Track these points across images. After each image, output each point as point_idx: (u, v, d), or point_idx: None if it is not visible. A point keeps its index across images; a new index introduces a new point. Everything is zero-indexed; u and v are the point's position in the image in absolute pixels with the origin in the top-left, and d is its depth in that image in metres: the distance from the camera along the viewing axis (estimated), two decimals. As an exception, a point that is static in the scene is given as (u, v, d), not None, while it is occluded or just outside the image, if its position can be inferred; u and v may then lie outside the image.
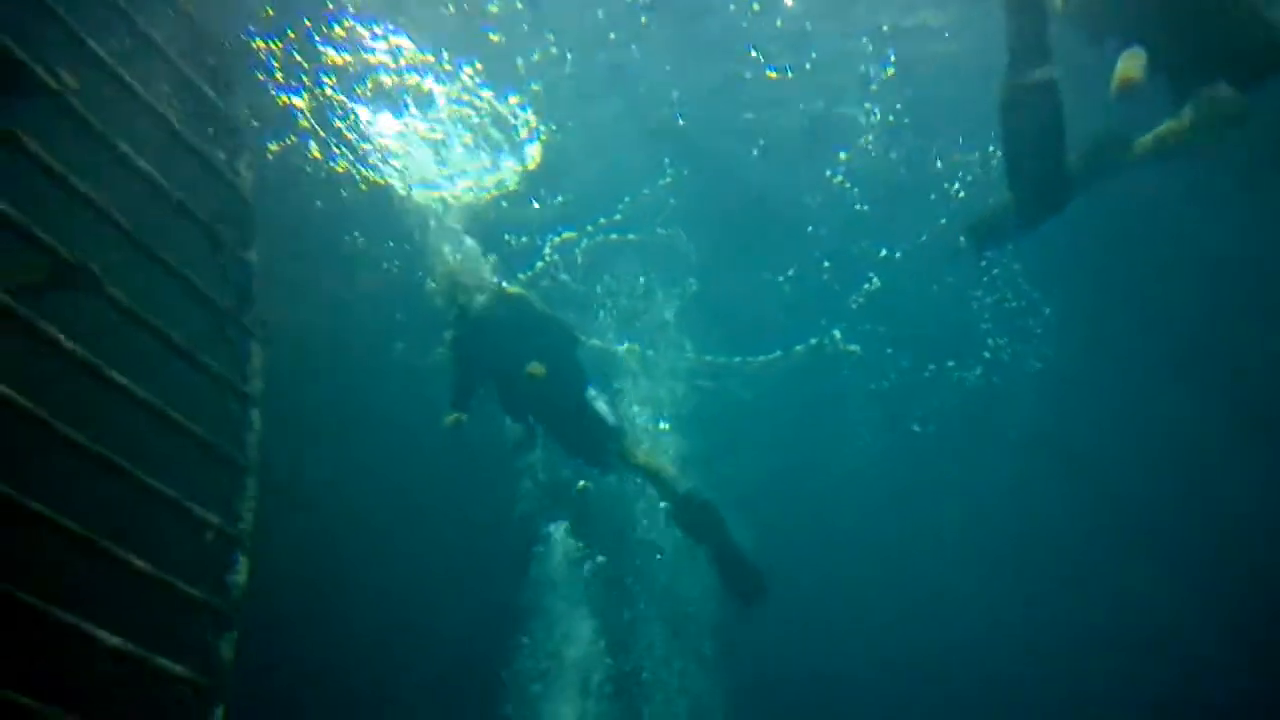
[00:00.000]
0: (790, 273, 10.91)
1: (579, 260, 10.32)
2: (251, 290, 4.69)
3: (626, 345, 10.87)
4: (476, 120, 8.62)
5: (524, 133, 8.88)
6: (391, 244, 9.76)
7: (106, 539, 3.91)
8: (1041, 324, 11.81)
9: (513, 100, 8.65)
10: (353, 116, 8.40)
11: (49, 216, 3.89)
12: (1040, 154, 4.71)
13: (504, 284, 7.03)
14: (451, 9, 7.89)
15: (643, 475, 7.73)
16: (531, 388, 6.69)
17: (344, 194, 9.19)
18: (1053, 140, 4.70)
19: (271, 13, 7.68)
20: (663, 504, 7.85)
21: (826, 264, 10.88)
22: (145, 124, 4.43)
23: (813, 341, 12.05)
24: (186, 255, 4.54)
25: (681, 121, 9.13)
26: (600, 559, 10.15)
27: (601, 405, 7.40)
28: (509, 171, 9.21)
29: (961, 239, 6.79)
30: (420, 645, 11.73)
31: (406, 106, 8.39)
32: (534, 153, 9.12)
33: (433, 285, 7.11)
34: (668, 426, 11.06)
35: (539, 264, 10.21)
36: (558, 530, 9.88)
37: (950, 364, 12.48)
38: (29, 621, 3.51)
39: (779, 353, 12.32)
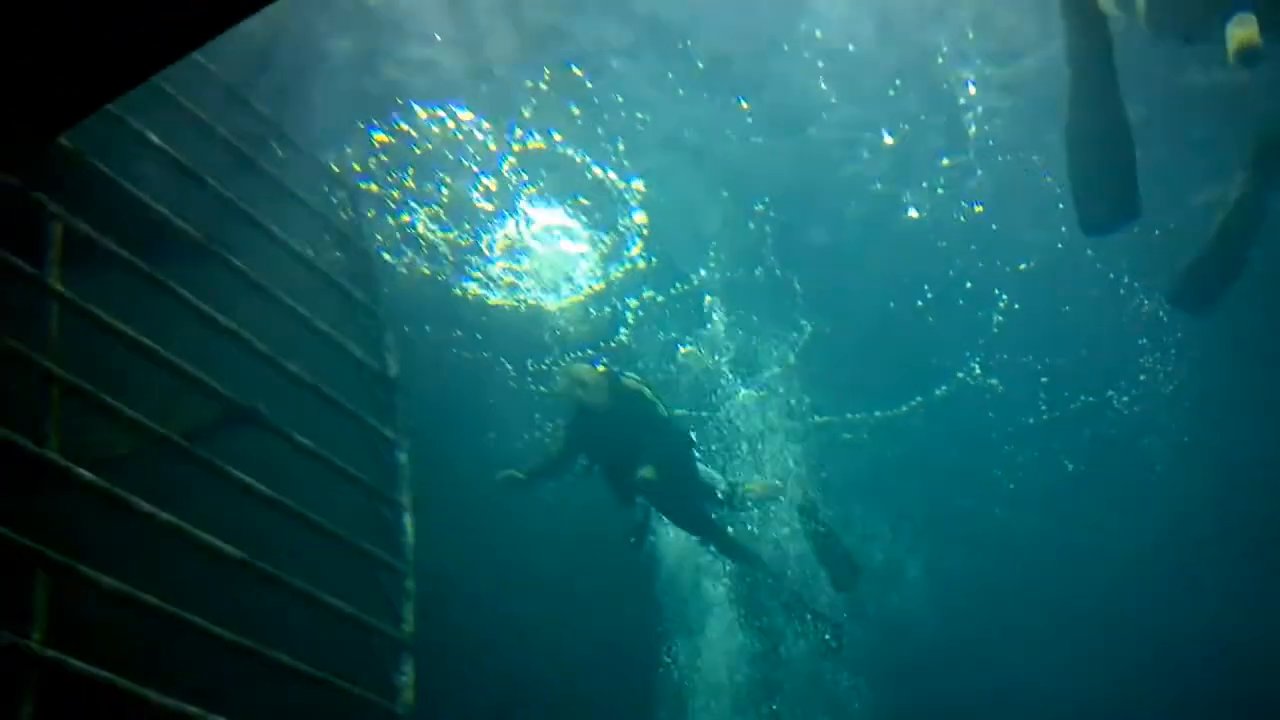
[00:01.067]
0: (928, 296, 10.66)
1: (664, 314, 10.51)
2: (395, 405, 5.15)
3: (743, 393, 10.88)
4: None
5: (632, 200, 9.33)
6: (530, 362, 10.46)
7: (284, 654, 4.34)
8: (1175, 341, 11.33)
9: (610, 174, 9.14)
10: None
11: (215, 362, 4.44)
12: (1111, 165, 4.79)
13: (622, 375, 7.38)
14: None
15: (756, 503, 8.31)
16: (644, 484, 7.03)
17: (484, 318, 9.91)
18: (1123, 151, 4.75)
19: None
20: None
21: (969, 284, 10.59)
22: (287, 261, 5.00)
23: (958, 375, 11.77)
24: (330, 378, 5.05)
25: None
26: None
27: (716, 482, 7.84)
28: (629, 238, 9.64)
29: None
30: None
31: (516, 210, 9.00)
32: (641, 220, 9.50)
33: (557, 383, 7.57)
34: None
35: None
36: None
37: (1108, 393, 12.05)
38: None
39: (916, 399, 12.16)
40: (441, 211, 8.84)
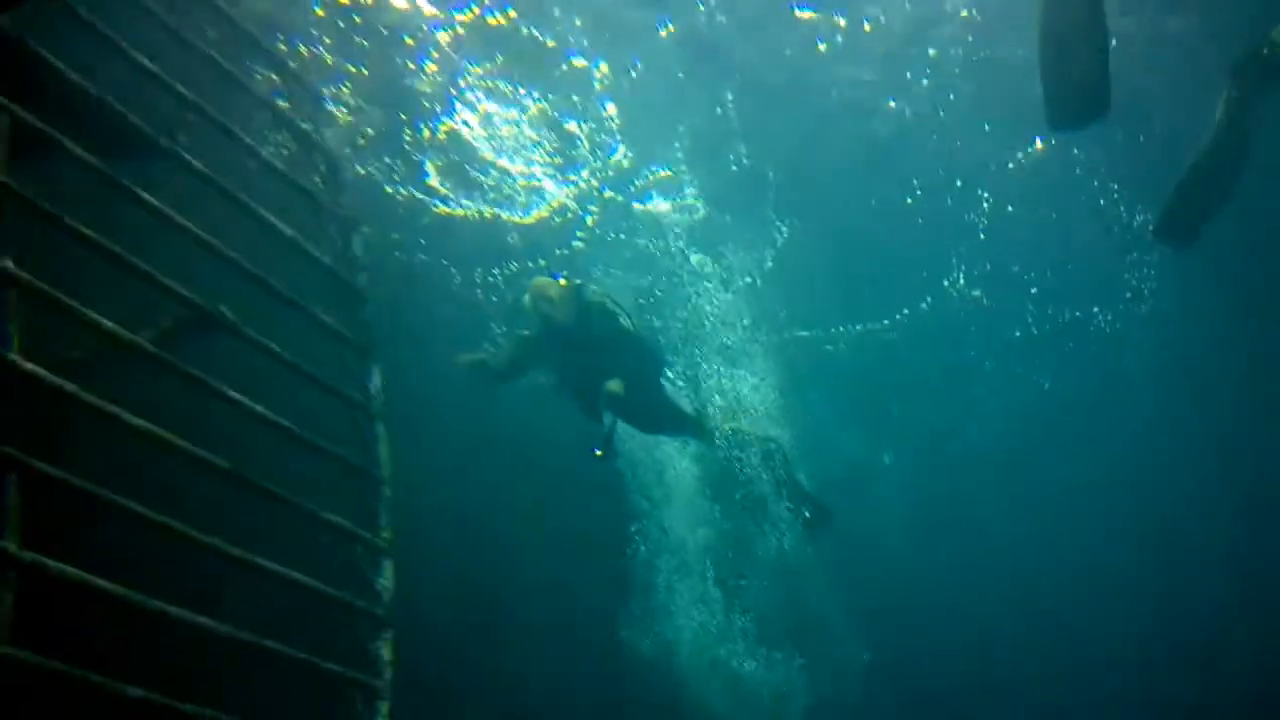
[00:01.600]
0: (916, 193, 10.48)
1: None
2: (366, 315, 5.16)
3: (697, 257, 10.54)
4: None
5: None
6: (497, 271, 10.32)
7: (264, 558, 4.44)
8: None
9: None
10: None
11: (179, 267, 4.43)
12: (1085, 49, 4.74)
13: (587, 288, 7.28)
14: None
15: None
16: (610, 399, 7.08)
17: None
18: (1095, 47, 4.73)
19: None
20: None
21: (959, 182, 10.25)
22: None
23: (944, 284, 11.64)
24: (297, 287, 5.04)
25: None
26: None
27: (681, 401, 7.90)
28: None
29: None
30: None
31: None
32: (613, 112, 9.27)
33: (525, 300, 7.45)
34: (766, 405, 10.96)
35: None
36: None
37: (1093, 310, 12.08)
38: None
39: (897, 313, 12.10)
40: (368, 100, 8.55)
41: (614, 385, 6.93)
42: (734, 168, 9.81)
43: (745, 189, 9.98)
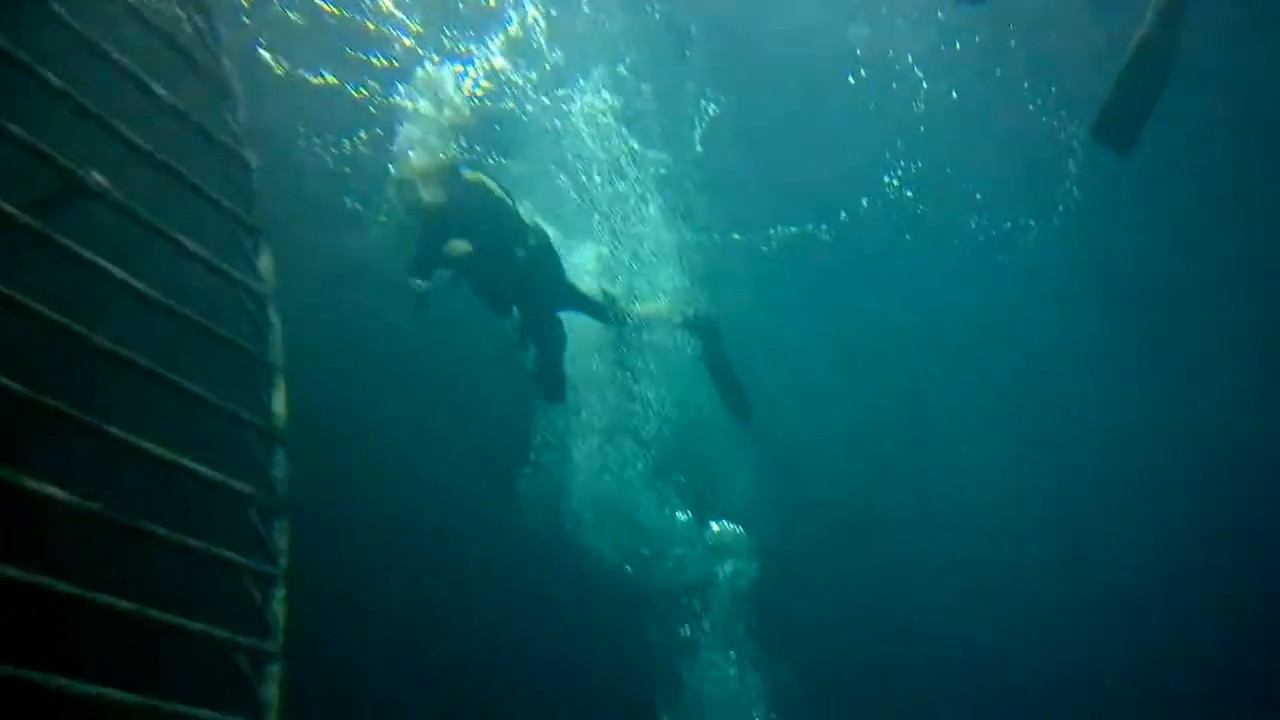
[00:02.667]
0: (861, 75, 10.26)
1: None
2: (253, 188, 5.03)
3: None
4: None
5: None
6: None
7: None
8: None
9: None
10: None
11: (52, 131, 4.25)
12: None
13: (463, 167, 7.03)
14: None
15: (647, 323, 8.35)
16: (505, 277, 6.90)
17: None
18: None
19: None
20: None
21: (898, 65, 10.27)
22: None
23: (885, 180, 11.65)
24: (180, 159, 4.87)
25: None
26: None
27: (587, 283, 7.80)
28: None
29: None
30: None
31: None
32: None
33: (392, 181, 7.10)
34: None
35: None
36: None
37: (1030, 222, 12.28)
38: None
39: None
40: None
41: (458, 246, 6.69)
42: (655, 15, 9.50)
43: (668, 64, 9.77)
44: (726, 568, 11.76)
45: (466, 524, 11.44)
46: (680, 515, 11.46)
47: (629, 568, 11.38)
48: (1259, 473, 13.36)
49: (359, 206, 9.60)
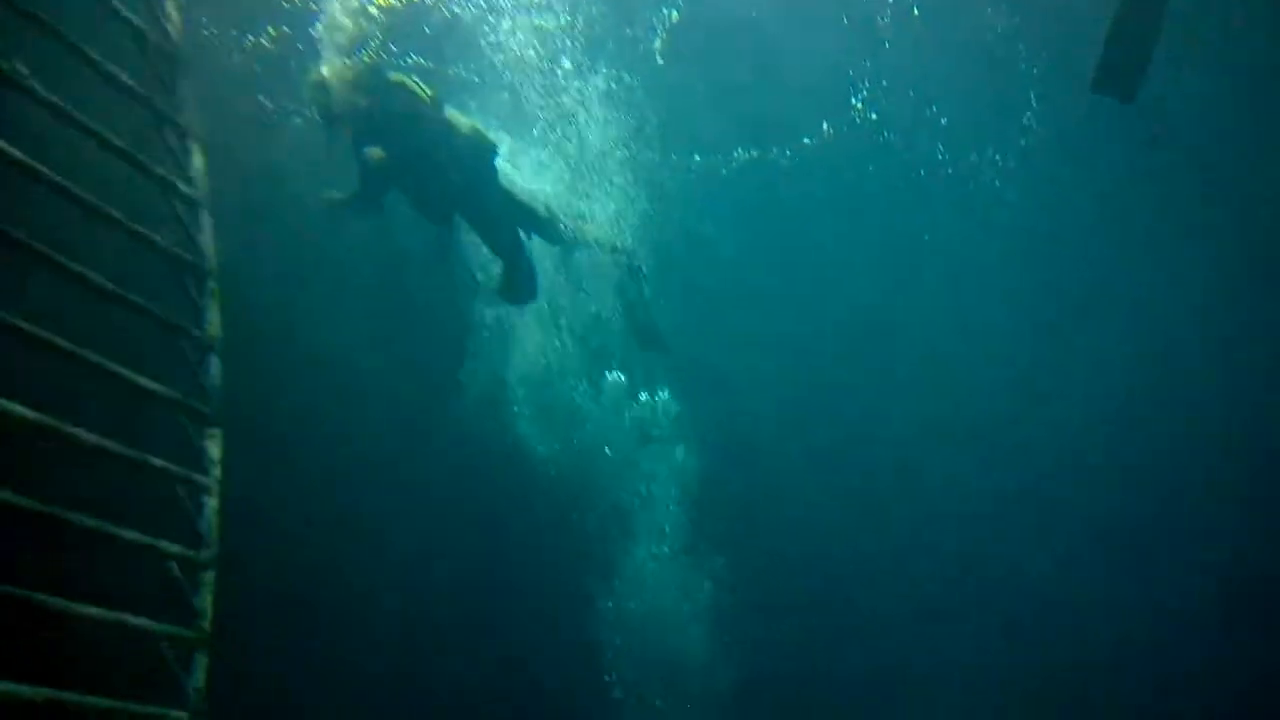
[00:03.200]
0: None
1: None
2: (180, 84, 4.90)
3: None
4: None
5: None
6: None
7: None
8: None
9: None
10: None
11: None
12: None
13: (384, 69, 6.70)
14: None
15: (582, 247, 8.31)
16: (431, 184, 6.75)
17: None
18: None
19: None
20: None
21: None
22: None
23: (852, 104, 11.50)
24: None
25: None
26: None
27: (528, 196, 7.67)
28: None
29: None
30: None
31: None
32: None
33: (310, 84, 6.76)
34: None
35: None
36: None
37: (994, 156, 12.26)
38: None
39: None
40: None
41: (373, 152, 6.53)
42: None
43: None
44: (668, 455, 11.96)
45: (407, 424, 11.45)
46: (616, 380, 11.46)
47: (567, 459, 11.52)
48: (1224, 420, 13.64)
49: (274, 105, 9.28)
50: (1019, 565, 13.81)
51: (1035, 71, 11.36)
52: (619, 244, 8.56)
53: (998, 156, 12.96)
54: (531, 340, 10.91)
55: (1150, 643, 13.26)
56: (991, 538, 14.02)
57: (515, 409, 11.26)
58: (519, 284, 7.84)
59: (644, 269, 8.70)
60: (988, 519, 14.10)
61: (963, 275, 14.09)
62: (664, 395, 11.72)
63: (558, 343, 10.92)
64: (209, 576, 4.98)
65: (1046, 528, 14.10)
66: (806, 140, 12.69)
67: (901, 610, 13.79)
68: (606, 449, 11.71)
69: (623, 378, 11.48)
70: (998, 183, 13.05)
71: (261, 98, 9.40)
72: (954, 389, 14.11)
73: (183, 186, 4.95)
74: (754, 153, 12.91)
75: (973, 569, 14.04)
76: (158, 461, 4.78)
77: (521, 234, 7.73)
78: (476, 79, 9.62)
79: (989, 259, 14.01)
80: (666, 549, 12.08)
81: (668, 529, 12.17)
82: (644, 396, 11.72)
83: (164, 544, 4.75)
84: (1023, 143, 12.63)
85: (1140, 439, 13.87)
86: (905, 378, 14.15)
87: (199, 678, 4.86)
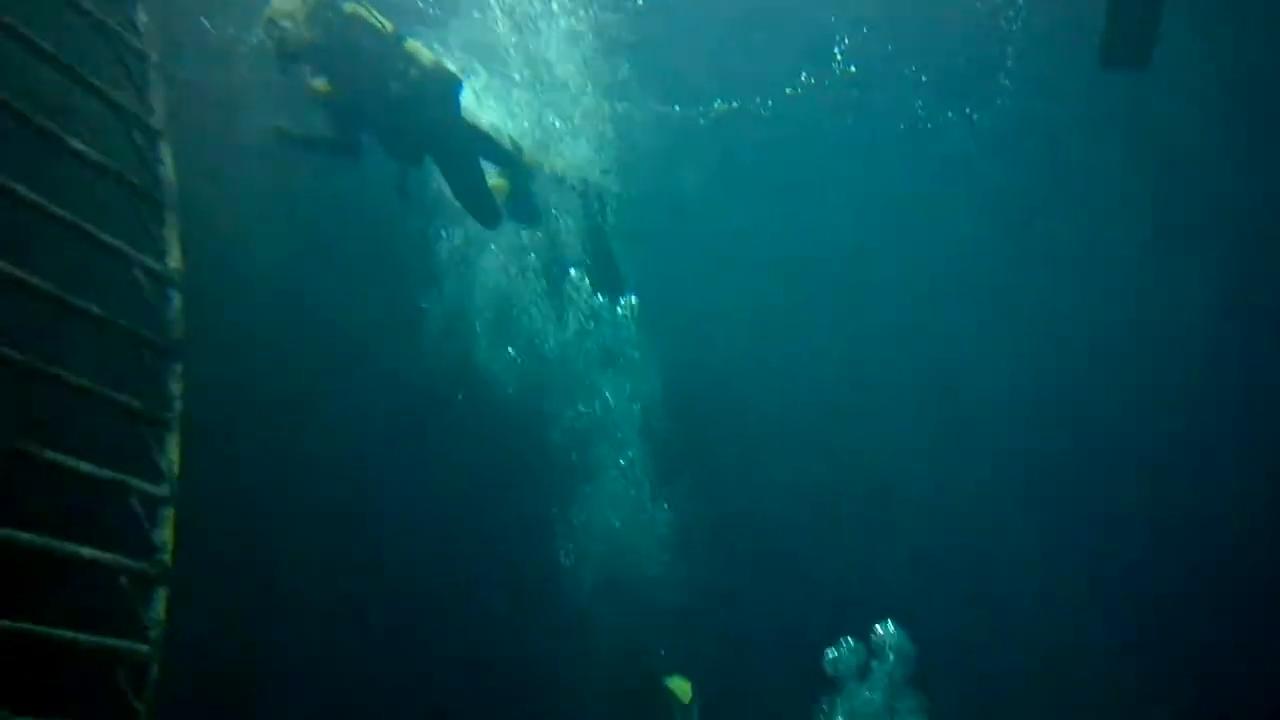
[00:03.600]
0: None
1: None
2: (139, 12, 4.84)
3: None
4: None
5: None
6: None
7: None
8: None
9: None
10: None
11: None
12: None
13: (341, 5, 6.50)
14: None
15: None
16: (391, 117, 6.62)
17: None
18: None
19: None
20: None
21: None
22: None
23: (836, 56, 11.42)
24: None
25: None
26: None
27: (494, 129, 7.58)
28: None
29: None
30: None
31: None
32: None
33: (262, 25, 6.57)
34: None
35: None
36: None
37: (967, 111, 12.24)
38: None
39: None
40: None
41: (316, 83, 6.40)
42: None
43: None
44: (628, 386, 12.04)
45: (366, 351, 11.45)
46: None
47: (526, 381, 11.58)
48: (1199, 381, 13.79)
49: (229, 32, 9.04)
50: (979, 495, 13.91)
51: (1014, 29, 11.34)
52: (586, 178, 8.39)
53: (974, 115, 12.99)
54: (494, 265, 10.90)
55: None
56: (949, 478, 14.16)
57: (477, 330, 11.28)
58: (485, 210, 7.76)
59: (608, 203, 8.52)
60: (949, 454, 14.21)
61: (937, 230, 14.16)
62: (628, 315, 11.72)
63: (520, 268, 10.92)
64: (169, 511, 5.01)
65: (1006, 469, 14.25)
66: (787, 90, 12.67)
67: (854, 536, 13.89)
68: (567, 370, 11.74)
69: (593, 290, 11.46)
70: (973, 140, 13.09)
71: (205, 22, 9.13)
72: (924, 338, 14.20)
73: (143, 116, 4.90)
74: (733, 104, 12.87)
75: (934, 503, 14.17)
76: (117, 396, 4.79)
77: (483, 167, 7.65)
78: (437, 10, 9.43)
79: (963, 215, 14.07)
80: (623, 461, 12.14)
81: (631, 454, 12.22)
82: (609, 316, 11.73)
83: (124, 479, 4.77)
84: (999, 102, 12.66)
85: (1118, 394, 14.02)
86: (876, 330, 14.21)
87: (159, 611, 4.91)
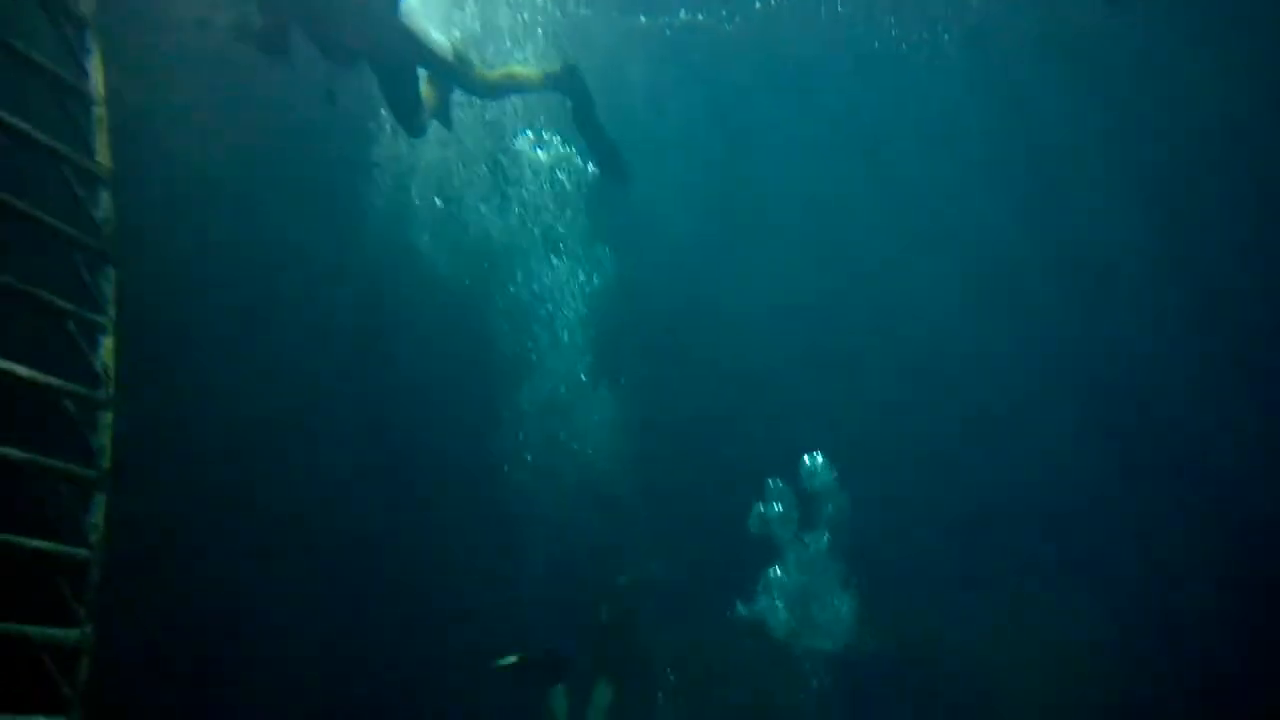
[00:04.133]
0: None
1: None
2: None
3: None
4: None
5: None
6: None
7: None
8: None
9: None
10: None
11: None
12: None
13: None
14: None
15: (506, 90, 7.99)
16: (322, 17, 6.39)
17: None
18: None
19: None
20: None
21: None
22: None
23: None
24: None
25: None
26: None
27: (434, 38, 7.32)
28: None
29: None
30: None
31: None
32: None
33: None
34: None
35: None
36: None
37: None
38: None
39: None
40: None
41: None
42: None
43: None
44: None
45: (307, 246, 11.37)
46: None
47: (469, 277, 11.61)
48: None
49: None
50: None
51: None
52: (551, 69, 8.02)
53: (946, 35, 12.85)
54: (433, 157, 10.80)
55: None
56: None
57: (418, 223, 11.23)
58: (413, 120, 7.57)
59: (584, 80, 8.20)
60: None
61: (908, 151, 14.08)
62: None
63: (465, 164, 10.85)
64: (107, 417, 4.98)
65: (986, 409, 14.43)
66: (757, 5, 12.45)
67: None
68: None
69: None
70: (944, 60, 12.97)
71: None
72: (893, 262, 14.21)
73: (71, 7, 4.73)
74: (699, 16, 12.65)
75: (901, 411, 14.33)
76: (56, 301, 4.71)
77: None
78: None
79: (935, 137, 14.00)
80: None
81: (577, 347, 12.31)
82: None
83: (59, 383, 4.72)
84: (970, 20, 12.53)
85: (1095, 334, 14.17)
86: (846, 250, 14.20)
87: (98, 516, 4.91)
